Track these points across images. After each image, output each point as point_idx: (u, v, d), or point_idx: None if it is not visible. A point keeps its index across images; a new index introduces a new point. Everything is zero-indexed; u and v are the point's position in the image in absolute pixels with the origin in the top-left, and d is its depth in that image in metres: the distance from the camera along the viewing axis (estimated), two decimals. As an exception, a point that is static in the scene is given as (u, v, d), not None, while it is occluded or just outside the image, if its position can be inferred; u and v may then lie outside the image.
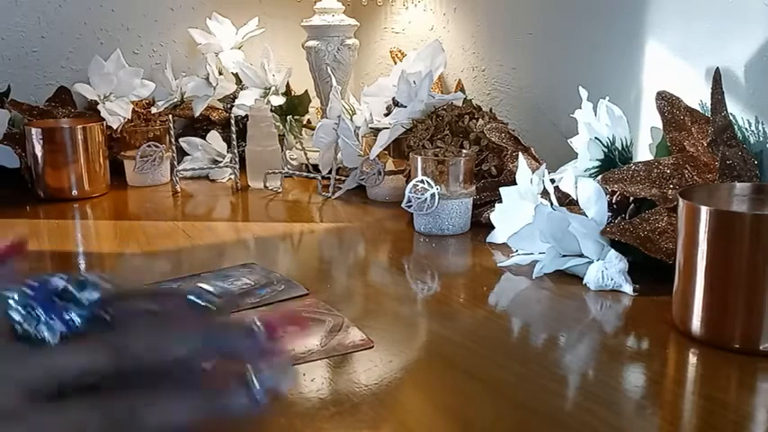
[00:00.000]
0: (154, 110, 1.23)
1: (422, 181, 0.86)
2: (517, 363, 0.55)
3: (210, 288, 0.69)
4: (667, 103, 0.78)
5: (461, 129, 0.96)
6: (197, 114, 1.24)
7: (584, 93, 0.79)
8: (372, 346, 0.57)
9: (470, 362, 0.55)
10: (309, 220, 0.97)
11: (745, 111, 0.79)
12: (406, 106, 1.00)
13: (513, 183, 0.81)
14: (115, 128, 1.17)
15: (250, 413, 0.37)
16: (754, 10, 0.77)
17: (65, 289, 0.39)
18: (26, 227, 0.94)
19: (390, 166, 1.04)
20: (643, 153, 0.88)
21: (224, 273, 0.73)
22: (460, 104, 1.03)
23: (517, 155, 0.85)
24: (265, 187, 1.12)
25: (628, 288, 0.67)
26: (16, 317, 0.38)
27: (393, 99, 1.06)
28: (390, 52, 1.30)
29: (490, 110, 1.07)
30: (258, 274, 0.72)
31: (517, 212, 0.79)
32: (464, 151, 0.91)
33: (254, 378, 0.37)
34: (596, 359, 0.56)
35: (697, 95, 0.82)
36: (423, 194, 0.85)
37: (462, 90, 1.16)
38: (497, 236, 0.83)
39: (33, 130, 1.06)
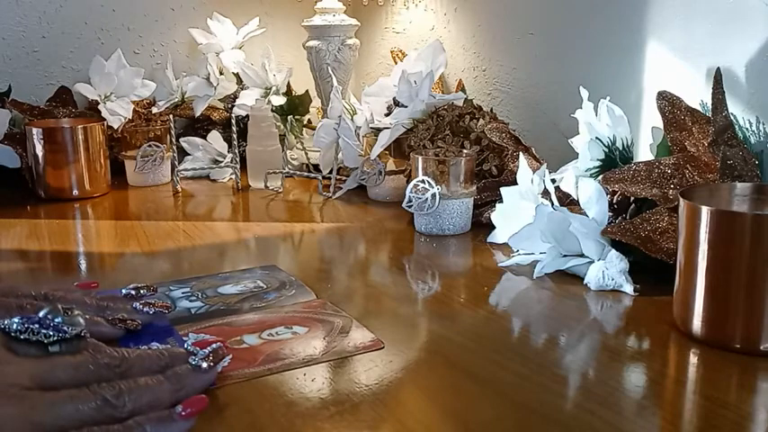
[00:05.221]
0: (155, 110, 1.23)
1: (422, 181, 0.86)
2: (517, 363, 0.55)
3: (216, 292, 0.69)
4: (668, 103, 0.78)
5: (462, 129, 0.96)
6: (198, 114, 1.24)
7: (584, 93, 0.79)
8: (383, 347, 0.56)
9: (471, 362, 0.55)
10: (310, 220, 0.97)
11: (746, 111, 0.79)
12: (406, 106, 1.00)
13: (514, 183, 0.81)
14: (116, 128, 1.17)
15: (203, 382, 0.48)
16: (755, 10, 0.77)
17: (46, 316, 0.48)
18: (27, 227, 0.94)
19: (391, 165, 1.04)
20: (644, 153, 0.88)
21: (236, 276, 0.73)
22: (461, 104, 1.03)
23: (518, 155, 0.85)
24: (266, 187, 1.12)
25: (628, 288, 0.67)
26: (14, 326, 0.46)
27: (394, 99, 1.06)
28: (391, 52, 1.30)
29: (491, 110, 1.07)
30: (272, 278, 0.72)
31: (518, 212, 0.79)
32: (465, 151, 0.91)
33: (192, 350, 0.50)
34: (597, 359, 0.56)
35: (698, 95, 0.82)
36: (423, 194, 0.85)
37: (463, 90, 1.16)
38: (498, 236, 0.83)
39: (34, 130, 1.06)
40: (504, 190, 0.82)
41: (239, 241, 0.89)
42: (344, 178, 1.08)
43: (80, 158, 1.08)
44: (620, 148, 0.78)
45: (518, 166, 0.81)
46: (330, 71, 1.21)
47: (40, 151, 1.06)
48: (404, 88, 1.01)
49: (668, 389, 0.52)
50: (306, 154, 1.18)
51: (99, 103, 1.17)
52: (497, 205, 0.83)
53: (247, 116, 1.16)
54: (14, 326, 0.45)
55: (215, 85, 1.24)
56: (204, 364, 0.49)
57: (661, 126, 0.78)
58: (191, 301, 0.66)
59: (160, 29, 1.34)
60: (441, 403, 0.50)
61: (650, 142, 0.86)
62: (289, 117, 1.27)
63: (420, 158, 0.87)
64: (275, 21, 1.42)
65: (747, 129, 0.79)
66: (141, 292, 0.61)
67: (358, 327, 0.60)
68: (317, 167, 1.14)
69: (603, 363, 0.55)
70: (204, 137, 1.22)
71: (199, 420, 0.45)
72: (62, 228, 0.94)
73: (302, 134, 1.28)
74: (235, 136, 1.13)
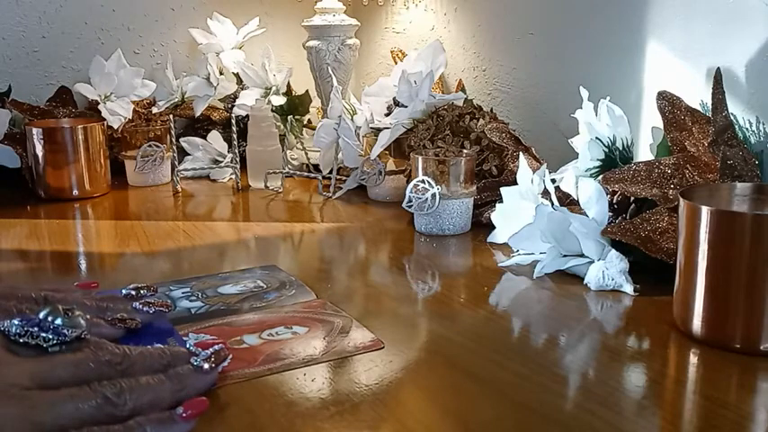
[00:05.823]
0: (155, 110, 1.23)
1: (422, 181, 0.86)
2: (517, 363, 0.55)
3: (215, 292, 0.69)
4: (668, 102, 0.78)
5: (462, 129, 0.96)
6: (198, 114, 1.24)
7: (584, 92, 0.79)
8: (383, 347, 0.56)
9: (471, 362, 0.55)
10: (310, 220, 0.97)
11: (746, 111, 0.79)
12: (406, 106, 1.00)
13: (514, 183, 0.81)
14: (116, 128, 1.17)
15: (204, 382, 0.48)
16: (755, 10, 0.77)
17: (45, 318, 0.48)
18: (27, 227, 0.94)
19: (391, 165, 1.04)
20: (644, 153, 0.88)
21: (236, 276, 0.73)
22: (461, 104, 1.03)
23: (518, 155, 0.85)
24: (266, 187, 1.12)
25: (628, 288, 0.67)
26: (14, 329, 0.46)
27: (394, 99, 1.06)
28: (391, 52, 1.30)
29: (491, 110, 1.07)
30: (272, 278, 0.72)
31: (518, 212, 0.79)
32: (465, 151, 0.91)
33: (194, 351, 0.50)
34: (597, 359, 0.56)
35: (698, 95, 0.82)
36: (423, 194, 0.85)
37: (463, 90, 1.16)
38: (498, 236, 0.83)
39: (34, 130, 1.06)
40: (504, 190, 0.82)
41: (239, 241, 0.89)
42: (344, 178, 1.08)
43: (80, 158, 1.08)
44: (620, 148, 0.78)
45: (518, 166, 0.81)
46: (330, 71, 1.21)
47: (40, 151, 1.06)
48: (404, 88, 1.01)
49: (668, 389, 0.52)
50: (306, 154, 1.18)
51: (99, 103, 1.17)
52: (497, 205, 0.83)
53: (247, 116, 1.16)
54: (14, 329, 0.45)
55: (215, 85, 1.24)
56: (206, 366, 0.49)
57: (661, 126, 0.78)
58: (191, 301, 0.66)
59: (160, 29, 1.34)
60: (441, 403, 0.50)
61: (650, 142, 0.86)
62: (289, 117, 1.27)
63: (420, 158, 0.87)
64: (275, 21, 1.42)
65: (747, 129, 0.79)
66: (141, 292, 0.61)
67: (358, 327, 0.60)
68: (317, 167, 1.14)
69: (603, 363, 0.55)
70: (204, 137, 1.22)
71: (199, 420, 0.45)
72: (62, 228, 0.94)
73: (302, 134, 1.28)
74: (235, 136, 1.13)
